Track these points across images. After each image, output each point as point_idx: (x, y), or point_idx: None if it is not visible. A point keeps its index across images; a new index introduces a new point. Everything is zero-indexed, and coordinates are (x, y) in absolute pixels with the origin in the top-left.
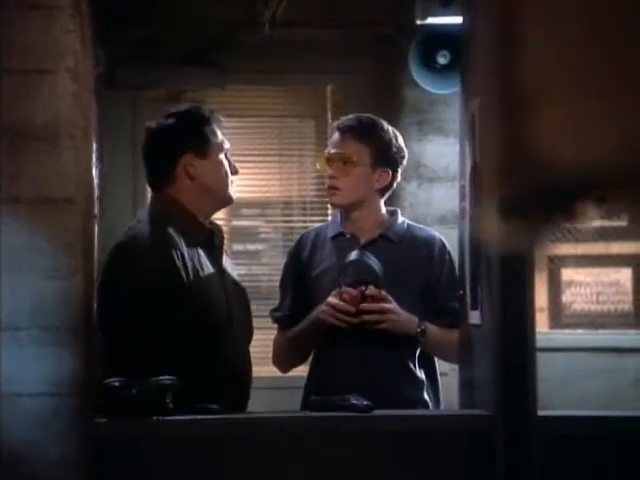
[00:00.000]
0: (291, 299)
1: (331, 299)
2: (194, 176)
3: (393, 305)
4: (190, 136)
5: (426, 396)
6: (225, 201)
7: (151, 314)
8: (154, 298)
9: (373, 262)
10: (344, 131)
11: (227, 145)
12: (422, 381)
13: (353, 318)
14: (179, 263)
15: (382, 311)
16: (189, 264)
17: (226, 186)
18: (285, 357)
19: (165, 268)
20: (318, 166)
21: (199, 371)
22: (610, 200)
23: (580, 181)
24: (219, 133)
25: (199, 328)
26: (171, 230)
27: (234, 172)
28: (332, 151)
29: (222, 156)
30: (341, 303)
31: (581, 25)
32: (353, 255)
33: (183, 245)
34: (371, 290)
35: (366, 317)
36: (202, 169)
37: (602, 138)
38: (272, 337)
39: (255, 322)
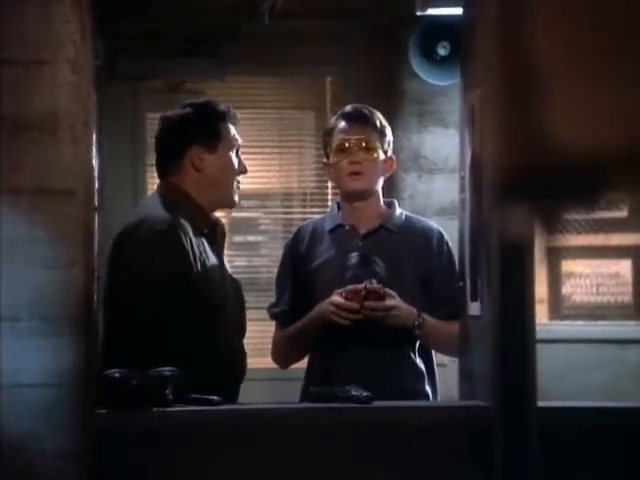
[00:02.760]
0: (290, 294)
1: (335, 298)
2: (200, 169)
3: (396, 301)
4: (201, 128)
5: (427, 387)
6: (227, 200)
7: (160, 298)
8: (164, 282)
9: (374, 263)
10: (357, 119)
11: (239, 143)
12: (422, 372)
13: (357, 315)
14: (188, 249)
15: (386, 309)
16: (196, 252)
17: (231, 184)
18: (284, 354)
19: (175, 252)
20: (332, 158)
21: (195, 361)
22: (616, 188)
23: (586, 168)
24: (233, 130)
25: (200, 318)
26: (180, 216)
27: (242, 171)
28: (354, 138)
29: (232, 153)
30: (344, 301)
31: (590, 5)
32: (354, 258)
33: (191, 232)
34: (372, 286)
35: (370, 314)
36: (209, 163)
37: (611, 124)
38: (271, 328)
39: (254, 313)
